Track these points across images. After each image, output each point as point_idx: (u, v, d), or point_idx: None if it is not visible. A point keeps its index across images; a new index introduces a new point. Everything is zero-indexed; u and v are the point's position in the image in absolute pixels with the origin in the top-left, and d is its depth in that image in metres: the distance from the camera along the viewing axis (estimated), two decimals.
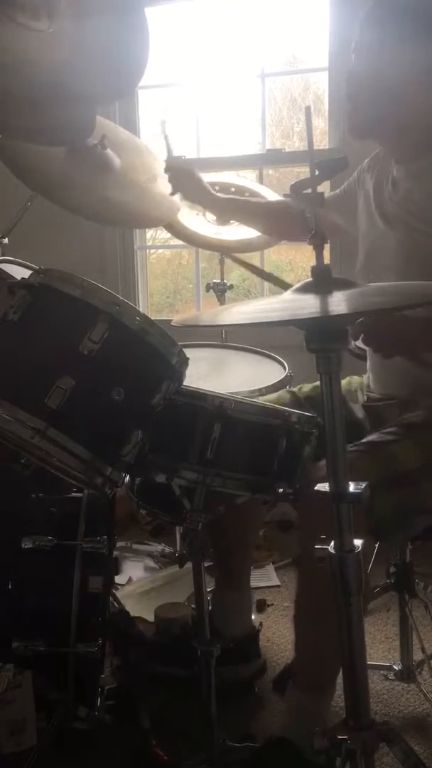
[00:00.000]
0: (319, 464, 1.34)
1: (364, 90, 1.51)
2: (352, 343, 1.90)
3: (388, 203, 1.60)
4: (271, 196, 2.34)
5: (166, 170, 2.01)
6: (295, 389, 1.74)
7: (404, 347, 1.41)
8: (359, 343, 1.46)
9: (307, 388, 1.74)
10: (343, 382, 1.65)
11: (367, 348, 1.55)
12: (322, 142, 2.90)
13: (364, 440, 1.47)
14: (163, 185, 2.05)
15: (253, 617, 1.94)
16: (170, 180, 2.00)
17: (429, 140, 1.51)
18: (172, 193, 2.02)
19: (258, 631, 1.86)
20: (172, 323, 1.18)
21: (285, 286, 2.25)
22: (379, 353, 1.44)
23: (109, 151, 1.96)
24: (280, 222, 2.02)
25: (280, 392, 1.71)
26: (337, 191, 1.86)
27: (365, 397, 1.70)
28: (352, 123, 1.57)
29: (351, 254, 1.76)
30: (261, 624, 1.94)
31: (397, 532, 1.43)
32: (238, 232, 2.23)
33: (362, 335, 1.38)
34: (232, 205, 2.08)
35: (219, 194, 2.06)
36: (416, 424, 1.49)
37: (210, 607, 1.43)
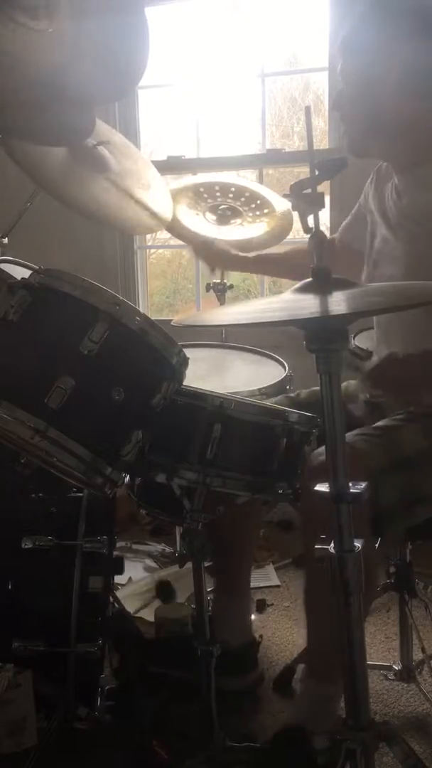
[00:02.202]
0: (317, 451, 1.34)
1: (358, 101, 1.51)
2: (352, 342, 1.91)
3: (392, 211, 1.59)
4: (271, 195, 2.34)
5: (194, 253, 2.15)
6: (292, 395, 1.74)
7: (423, 383, 1.41)
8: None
9: (305, 393, 1.74)
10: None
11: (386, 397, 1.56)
12: (322, 142, 2.91)
13: (371, 426, 1.47)
14: (155, 194, 2.06)
15: (252, 617, 1.94)
16: (202, 259, 2.13)
17: (427, 145, 1.51)
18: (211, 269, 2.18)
19: (258, 643, 1.86)
20: (172, 323, 1.18)
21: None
22: (402, 398, 1.44)
23: (106, 152, 1.96)
24: (303, 269, 2.01)
25: (278, 398, 1.70)
26: (347, 219, 1.85)
27: (366, 395, 1.70)
28: (350, 141, 1.58)
29: None
30: (261, 636, 1.94)
31: (399, 521, 1.42)
32: (238, 232, 2.24)
33: (378, 387, 1.38)
34: (258, 261, 2.10)
35: (244, 255, 2.09)
36: (424, 410, 1.49)
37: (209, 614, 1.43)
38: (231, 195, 2.32)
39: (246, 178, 2.67)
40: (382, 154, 1.63)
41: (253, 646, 1.83)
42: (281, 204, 2.30)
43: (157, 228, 2.14)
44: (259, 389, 1.68)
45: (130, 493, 1.52)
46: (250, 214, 2.31)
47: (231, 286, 2.42)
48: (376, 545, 1.39)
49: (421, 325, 1.46)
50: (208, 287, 2.41)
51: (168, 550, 2.49)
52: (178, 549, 2.36)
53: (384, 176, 1.67)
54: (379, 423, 1.48)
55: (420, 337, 1.49)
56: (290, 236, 2.29)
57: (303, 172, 1.24)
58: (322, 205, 1.07)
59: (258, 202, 2.33)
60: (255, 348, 2.02)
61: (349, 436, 1.37)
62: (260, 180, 3.00)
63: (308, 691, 1.52)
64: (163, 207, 2.08)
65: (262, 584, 2.28)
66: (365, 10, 1.50)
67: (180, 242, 2.49)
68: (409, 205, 1.54)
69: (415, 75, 1.45)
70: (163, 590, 2.14)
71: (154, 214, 2.03)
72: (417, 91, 1.47)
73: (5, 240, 2.06)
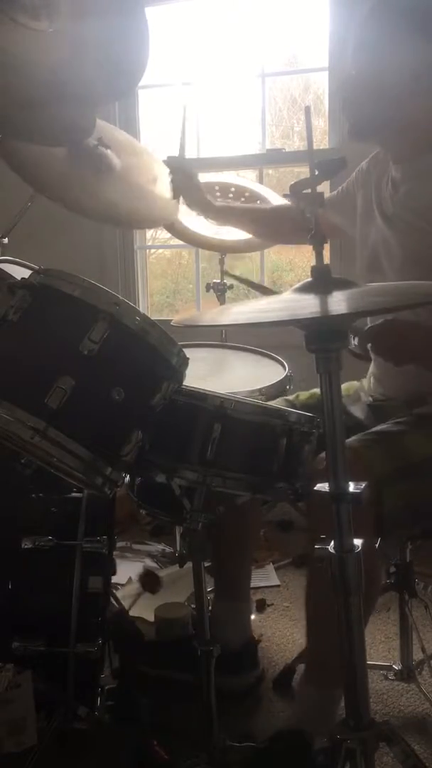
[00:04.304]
0: (319, 457, 1.34)
1: (363, 92, 1.50)
2: (352, 342, 1.91)
3: (388, 203, 1.59)
4: (271, 195, 2.34)
5: (168, 164, 1.99)
6: (291, 397, 1.73)
7: (416, 354, 1.40)
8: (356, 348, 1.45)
9: (304, 395, 1.73)
10: (342, 387, 1.65)
11: (375, 355, 1.54)
12: (322, 142, 2.91)
13: (374, 429, 1.46)
14: (162, 187, 2.05)
15: (252, 617, 1.94)
16: (171, 179, 1.99)
17: (429, 140, 1.50)
18: (174, 197, 2.02)
19: (258, 642, 1.86)
20: (172, 323, 1.18)
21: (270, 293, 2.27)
22: (391, 361, 1.43)
23: (109, 151, 1.96)
24: (278, 225, 2.01)
25: (277, 400, 1.70)
26: (335, 192, 1.85)
27: (369, 398, 1.70)
28: (352, 126, 1.56)
29: (351, 254, 1.76)
30: (261, 635, 1.94)
31: (402, 527, 1.42)
32: (238, 232, 2.23)
33: (370, 345, 1.37)
34: (227, 212, 2.07)
35: (216, 202, 2.04)
36: (427, 415, 1.48)
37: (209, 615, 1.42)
38: (231, 195, 2.32)
39: (246, 178, 2.67)
40: (383, 144, 1.62)
41: (253, 645, 1.83)
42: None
43: (169, 218, 2.12)
44: (259, 389, 1.68)
45: (130, 493, 1.52)
46: None
47: (231, 286, 2.42)
48: (377, 545, 1.39)
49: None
50: (208, 287, 2.41)
51: (168, 550, 2.49)
52: (178, 549, 2.36)
53: (381, 165, 1.66)
54: (382, 427, 1.47)
55: None
56: None
57: (303, 172, 1.24)
58: (322, 205, 1.07)
59: (258, 202, 2.33)
60: (255, 348, 2.02)
61: (351, 440, 1.36)
62: (260, 180, 3.00)
63: (307, 697, 1.51)
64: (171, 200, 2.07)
65: (262, 584, 2.28)
66: (371, 10, 1.49)
67: (180, 242, 2.49)
68: (407, 196, 1.53)
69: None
70: (149, 581, 2.14)
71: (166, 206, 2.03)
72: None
73: (5, 240, 2.06)
